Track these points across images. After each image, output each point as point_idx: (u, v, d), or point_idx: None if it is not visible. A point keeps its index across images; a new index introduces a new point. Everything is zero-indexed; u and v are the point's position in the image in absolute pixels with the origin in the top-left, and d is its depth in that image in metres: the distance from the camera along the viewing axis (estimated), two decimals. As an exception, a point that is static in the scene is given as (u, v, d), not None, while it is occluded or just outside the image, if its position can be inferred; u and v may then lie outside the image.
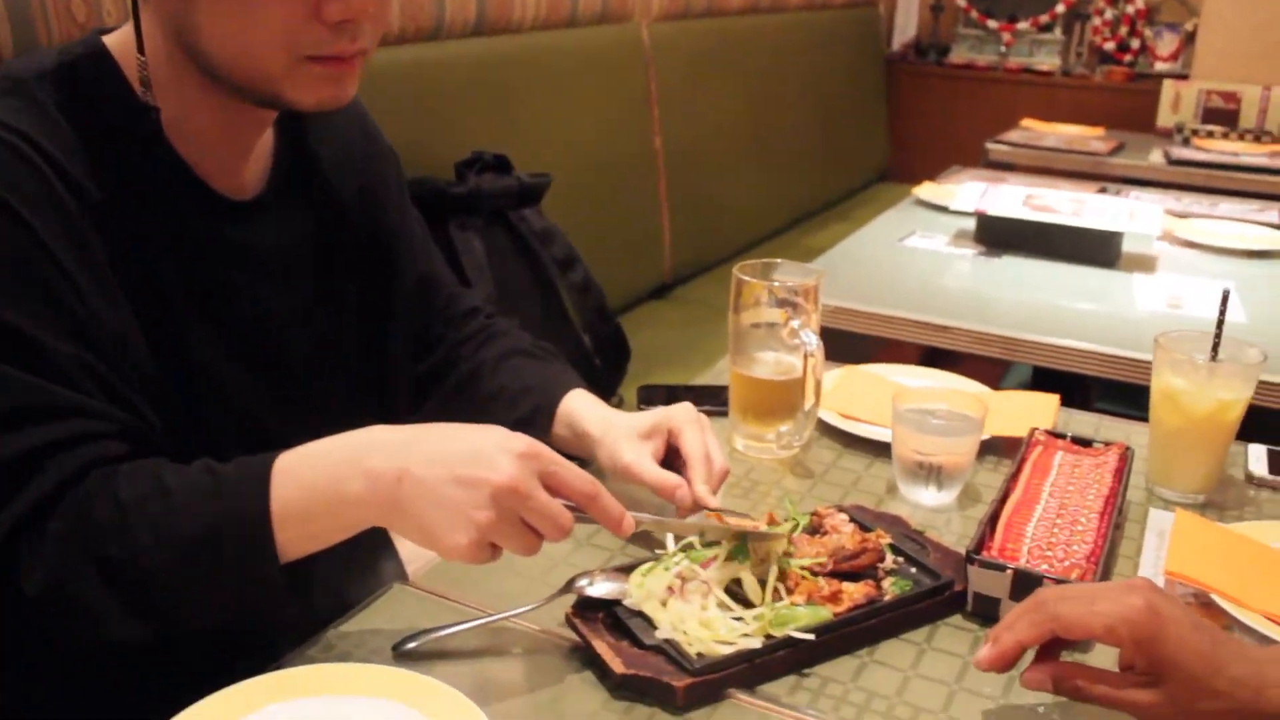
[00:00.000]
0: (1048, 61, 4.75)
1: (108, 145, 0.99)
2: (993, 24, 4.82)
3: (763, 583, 0.99)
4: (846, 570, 1.04)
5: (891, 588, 1.04)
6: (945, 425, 1.25)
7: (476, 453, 0.89)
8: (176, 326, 1.03)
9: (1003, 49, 4.82)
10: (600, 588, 1.00)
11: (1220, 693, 0.81)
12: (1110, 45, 4.65)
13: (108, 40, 1.04)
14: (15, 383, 0.91)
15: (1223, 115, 3.90)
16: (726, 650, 0.93)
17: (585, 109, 2.79)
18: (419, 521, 0.89)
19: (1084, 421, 1.52)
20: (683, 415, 1.19)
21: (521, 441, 0.90)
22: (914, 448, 1.23)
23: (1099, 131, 3.92)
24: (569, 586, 1.01)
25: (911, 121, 4.96)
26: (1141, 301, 2.11)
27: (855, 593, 1.01)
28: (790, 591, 1.00)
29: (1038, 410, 1.46)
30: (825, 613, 0.98)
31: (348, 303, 1.21)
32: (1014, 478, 1.20)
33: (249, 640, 0.99)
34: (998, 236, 2.37)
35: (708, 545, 1.03)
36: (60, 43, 1.30)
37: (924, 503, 1.26)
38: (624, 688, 0.93)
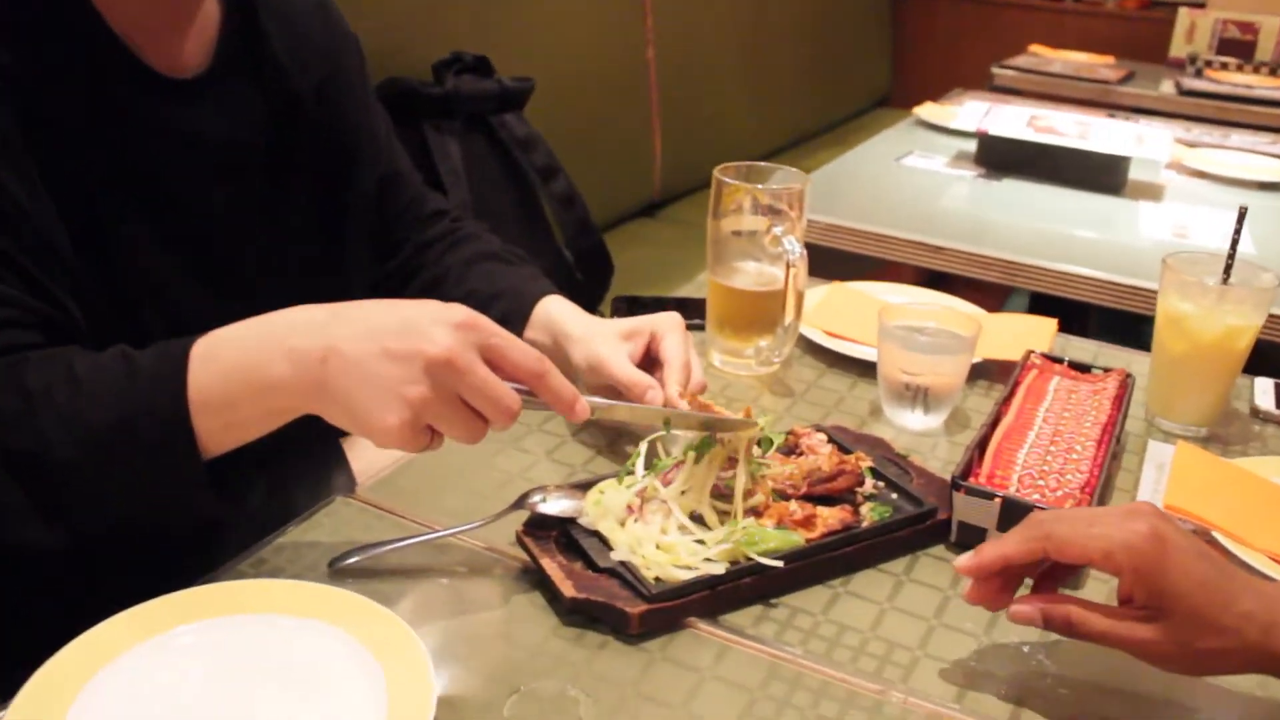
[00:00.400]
0: (1059, -14, 4.60)
1: (22, 10, 0.89)
2: (1003, -53, 4.66)
3: (722, 511, 0.91)
4: (821, 493, 0.96)
5: (870, 514, 0.96)
6: (934, 343, 1.17)
7: (409, 325, 0.80)
8: (105, 220, 0.93)
9: (1013, -27, 4.66)
10: (554, 504, 0.93)
11: (1226, 629, 0.73)
12: (1124, -29, 4.50)
13: None
14: None
15: (1239, 46, 3.77)
16: (687, 575, 0.86)
17: (574, 12, 2.67)
18: (346, 402, 0.81)
19: (1082, 348, 1.44)
20: (667, 321, 1.12)
21: (459, 312, 0.82)
22: (900, 366, 1.15)
23: (1109, 59, 3.80)
24: (520, 502, 0.93)
25: (916, 46, 4.81)
26: (1147, 230, 2.03)
27: (830, 518, 0.93)
28: (759, 514, 0.92)
29: (1033, 334, 1.38)
30: (796, 538, 0.90)
31: (302, 200, 1.12)
32: (1006, 402, 1.12)
33: (190, 554, 0.92)
34: (999, 158, 2.28)
35: (667, 449, 0.95)
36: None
37: (909, 426, 1.18)
38: (575, 613, 0.86)
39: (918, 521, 0.96)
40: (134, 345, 0.87)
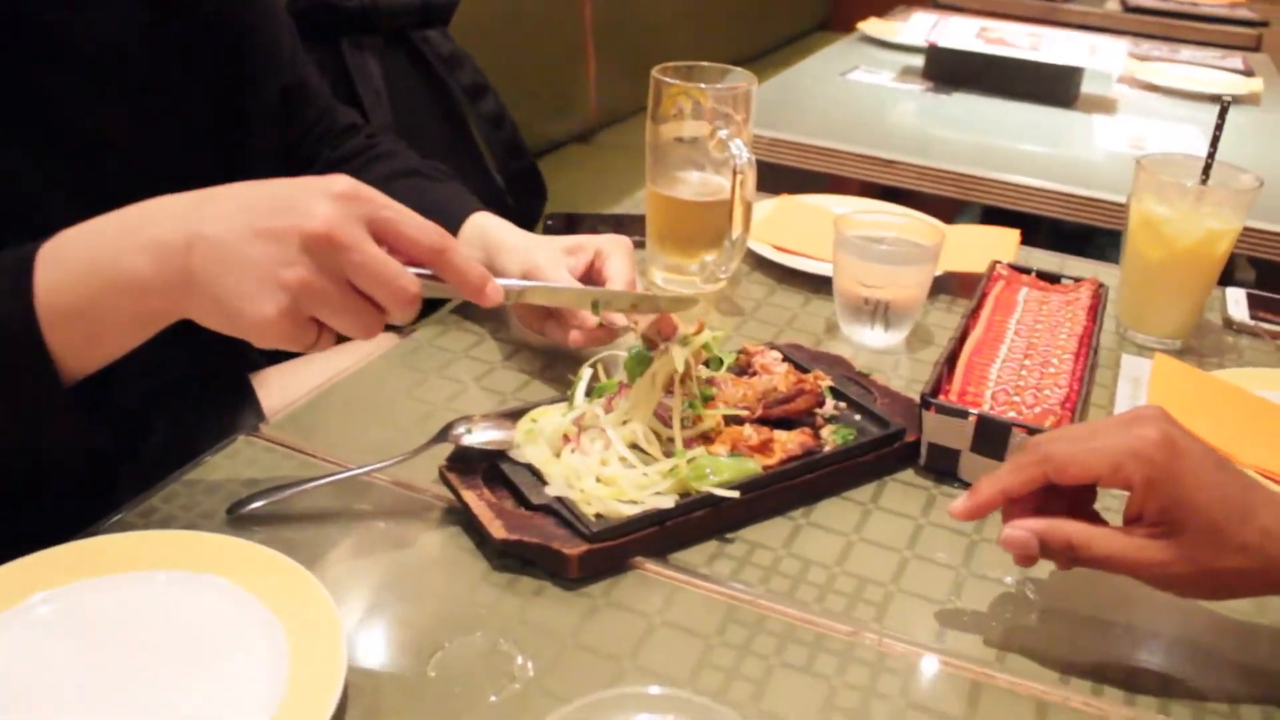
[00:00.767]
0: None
1: None
2: None
3: (671, 439, 0.82)
4: (778, 416, 0.87)
5: (832, 437, 0.87)
6: (895, 253, 1.07)
7: (283, 199, 0.69)
8: None
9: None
10: (481, 435, 0.83)
11: (1248, 547, 0.65)
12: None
13: None
14: None
15: (1183, -39, 3.68)
16: (631, 510, 0.76)
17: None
18: (216, 294, 0.69)
19: (1045, 260, 1.36)
20: (613, 242, 1.03)
21: (341, 181, 0.70)
22: (858, 279, 1.06)
23: (1054, -24, 3.71)
24: (443, 435, 0.83)
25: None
26: (1102, 142, 1.96)
27: (789, 442, 0.84)
28: (711, 441, 0.83)
29: (996, 246, 1.29)
30: (753, 465, 0.81)
31: (195, 113, 1.00)
32: (974, 314, 1.03)
33: (81, 505, 0.81)
34: (948, 71, 2.20)
35: (609, 371, 0.85)
36: None
37: (868, 344, 1.09)
38: (507, 556, 0.76)
39: (884, 444, 0.87)
40: None
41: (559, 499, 0.77)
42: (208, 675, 0.65)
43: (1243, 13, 3.22)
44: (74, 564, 0.70)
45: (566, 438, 0.81)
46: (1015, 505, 0.70)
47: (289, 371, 1.17)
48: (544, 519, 0.76)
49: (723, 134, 1.08)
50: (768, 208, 1.35)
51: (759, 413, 0.87)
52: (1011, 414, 0.87)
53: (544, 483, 0.78)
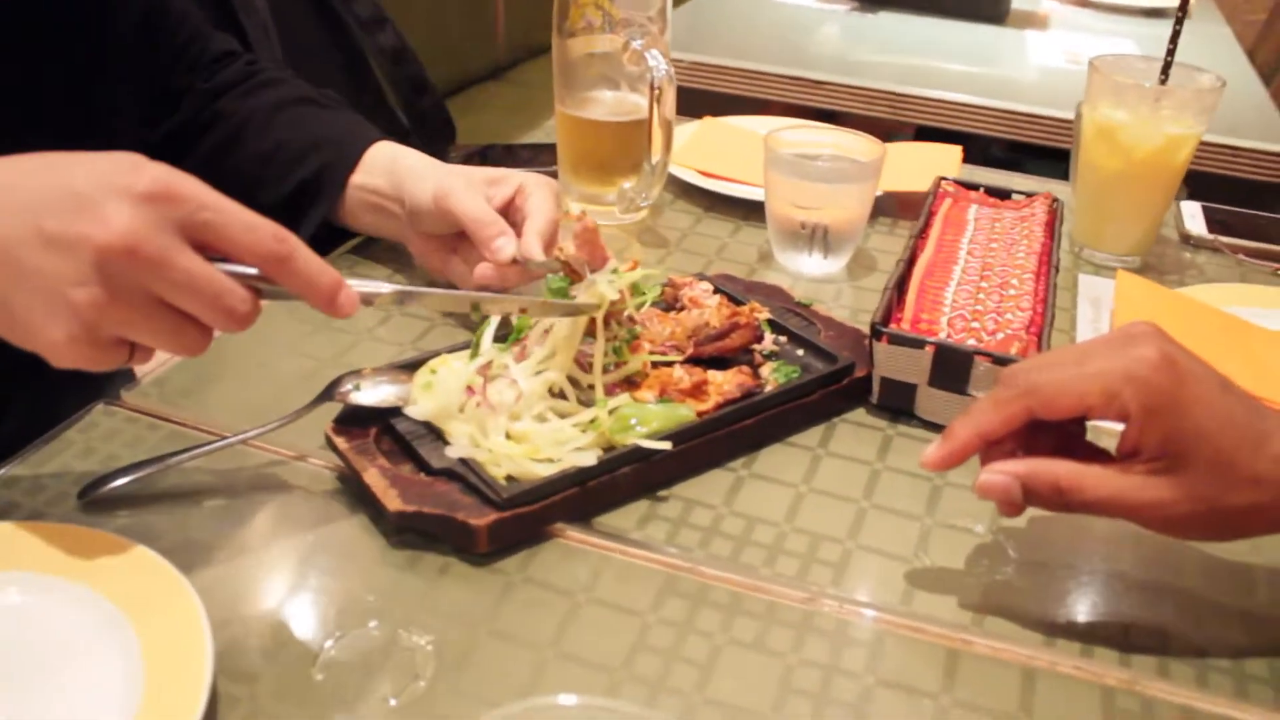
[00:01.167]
0: None
1: None
2: None
3: (591, 385, 0.71)
4: (712, 354, 0.77)
5: (773, 376, 0.77)
6: (832, 170, 0.97)
7: (75, 196, 0.56)
8: None
9: None
10: (371, 393, 0.72)
11: (1261, 478, 0.56)
12: None
13: None
14: None
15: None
16: (547, 471, 0.66)
17: None
18: (8, 307, 0.57)
19: (989, 178, 1.27)
20: (539, 180, 0.91)
21: (149, 175, 0.57)
22: (793, 200, 0.95)
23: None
24: (328, 393, 0.72)
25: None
26: (1036, 58, 1.88)
27: (725, 384, 0.74)
28: (636, 386, 0.73)
29: (936, 164, 1.19)
30: (685, 412, 0.71)
31: (40, 49, 0.88)
32: (922, 235, 0.94)
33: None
34: (874, -11, 2.09)
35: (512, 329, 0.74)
36: None
37: (806, 272, 0.99)
38: (405, 530, 0.65)
39: (832, 381, 0.78)
40: None
41: (463, 461, 0.66)
42: (41, 697, 0.53)
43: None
44: None
45: (471, 389, 0.70)
46: (994, 447, 0.61)
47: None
48: (447, 485, 0.66)
49: (637, 44, 0.97)
50: (689, 131, 1.25)
51: (690, 351, 0.77)
52: (972, 342, 0.78)
53: (446, 443, 0.68)
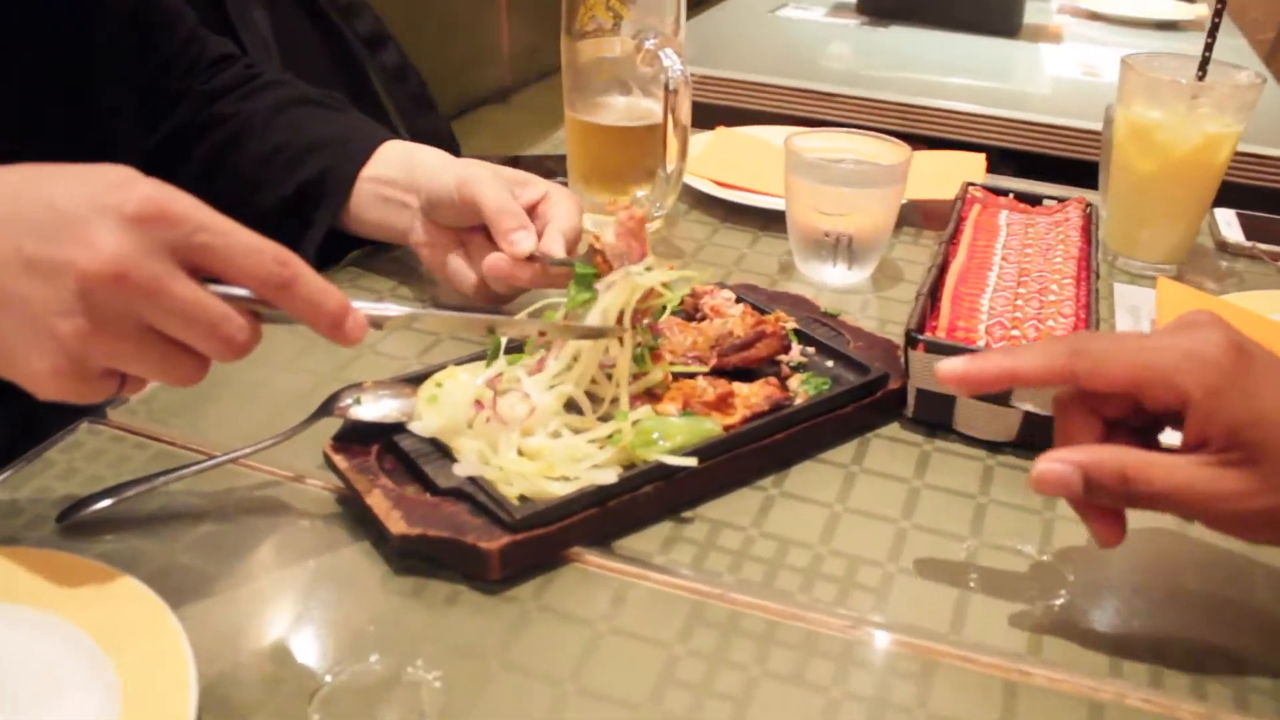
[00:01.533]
0: None
1: None
2: None
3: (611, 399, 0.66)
4: (737, 365, 0.72)
5: (802, 388, 0.72)
6: (857, 174, 0.93)
7: (60, 216, 0.52)
8: None
9: None
10: (373, 407, 0.67)
11: None
12: None
13: None
14: None
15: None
16: (564, 490, 0.61)
17: None
18: None
19: (1014, 186, 1.22)
20: (564, 191, 0.87)
21: (137, 194, 0.52)
22: (816, 206, 0.91)
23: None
24: (328, 408, 0.67)
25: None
26: (1052, 70, 1.84)
27: (752, 396, 0.69)
28: (658, 399, 0.68)
29: (960, 172, 1.15)
30: (711, 426, 0.66)
31: (30, 52, 0.85)
32: (953, 240, 0.89)
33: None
34: (884, 3, 2.06)
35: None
36: None
37: (829, 283, 0.94)
38: (410, 555, 0.60)
39: (865, 393, 0.73)
40: None
41: (472, 480, 0.61)
42: (6, 742, 0.48)
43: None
44: None
45: (480, 403, 0.65)
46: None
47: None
48: (454, 506, 0.61)
49: (650, 44, 0.92)
50: (703, 141, 1.20)
51: (713, 362, 0.72)
52: (1013, 350, 0.73)
53: (453, 460, 0.63)
